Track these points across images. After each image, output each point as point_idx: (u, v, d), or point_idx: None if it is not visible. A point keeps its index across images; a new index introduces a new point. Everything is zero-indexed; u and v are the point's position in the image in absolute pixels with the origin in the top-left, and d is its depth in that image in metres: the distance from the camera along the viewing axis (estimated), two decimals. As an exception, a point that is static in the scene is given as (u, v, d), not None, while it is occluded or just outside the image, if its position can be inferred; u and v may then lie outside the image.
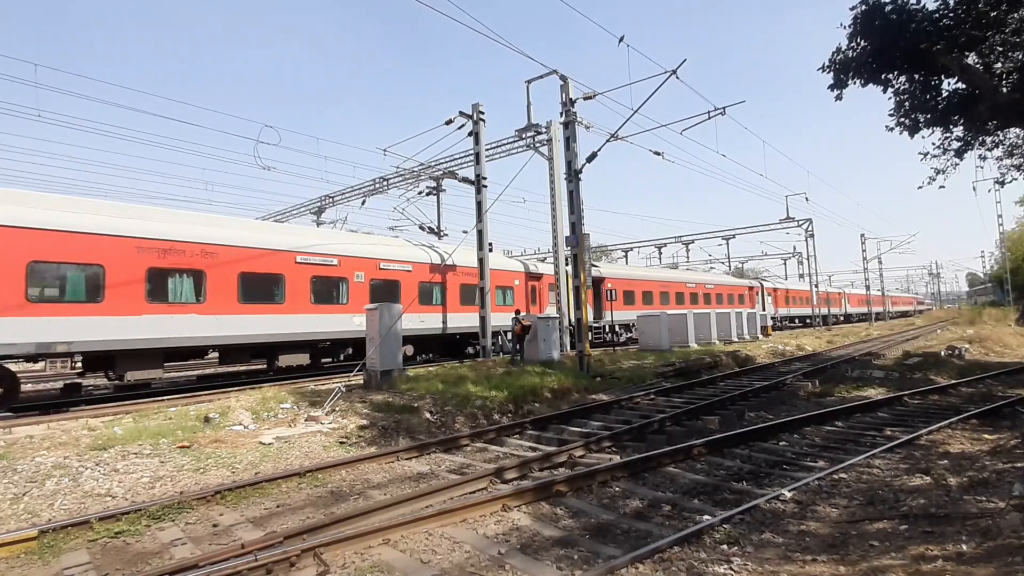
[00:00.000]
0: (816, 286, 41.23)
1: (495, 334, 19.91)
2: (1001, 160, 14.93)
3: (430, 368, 15.53)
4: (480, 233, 18.92)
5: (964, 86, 11.28)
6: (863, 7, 10.67)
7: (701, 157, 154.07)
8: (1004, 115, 11.13)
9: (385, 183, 23.67)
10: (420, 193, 24.19)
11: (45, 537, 4.92)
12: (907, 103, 11.93)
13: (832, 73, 11.61)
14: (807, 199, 35.60)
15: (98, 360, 12.04)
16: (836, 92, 11.86)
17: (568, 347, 18.94)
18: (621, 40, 13.53)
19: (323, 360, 16.29)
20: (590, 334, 18.58)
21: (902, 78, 11.64)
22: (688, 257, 47.99)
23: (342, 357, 16.72)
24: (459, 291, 19.32)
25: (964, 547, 4.08)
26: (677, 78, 13.45)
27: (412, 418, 9.52)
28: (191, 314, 12.71)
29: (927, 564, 3.81)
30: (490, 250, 19.42)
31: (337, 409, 9.66)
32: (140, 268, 11.99)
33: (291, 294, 14.68)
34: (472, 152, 19.18)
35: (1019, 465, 6.07)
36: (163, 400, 11.70)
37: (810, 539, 4.57)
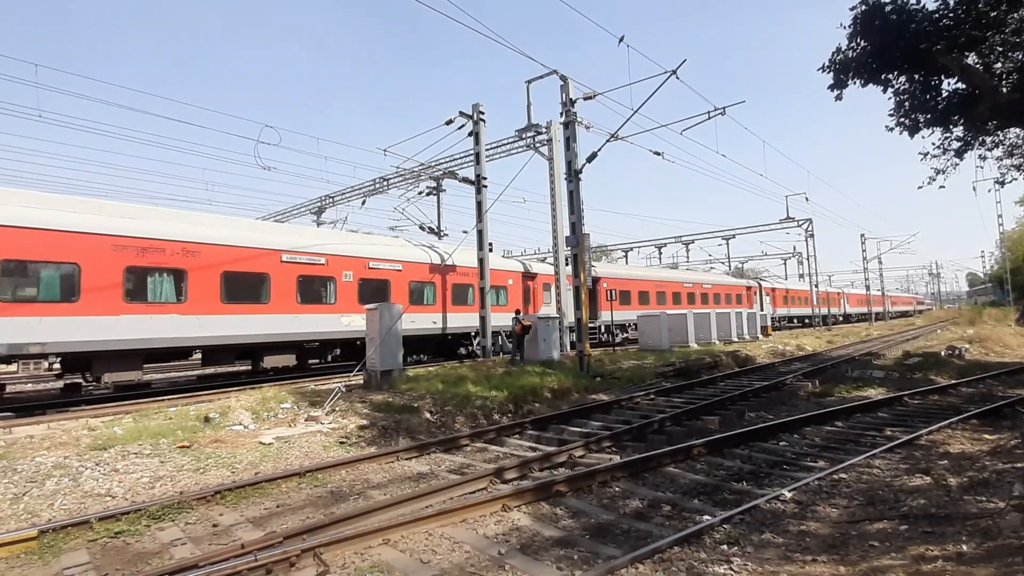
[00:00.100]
0: (816, 286, 41.23)
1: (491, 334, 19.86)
2: (1001, 160, 14.94)
3: (430, 368, 15.52)
4: (480, 233, 18.92)
5: (964, 86, 11.28)
6: (863, 7, 10.67)
7: (701, 157, 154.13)
8: (1004, 115, 11.13)
9: (385, 183, 23.68)
10: (420, 193, 24.20)
11: (45, 537, 4.92)
12: (907, 103, 11.93)
13: (832, 73, 11.61)
14: (807, 199, 35.66)
15: (75, 361, 11.78)
16: (836, 92, 11.86)
17: (568, 347, 18.95)
18: (621, 40, 13.54)
19: (310, 361, 16.06)
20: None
21: (902, 78, 11.64)
22: (688, 257, 48.03)
23: (329, 358, 16.44)
24: (451, 291, 19.11)
25: (964, 547, 4.08)
26: (677, 78, 13.46)
27: (412, 418, 9.52)
28: (172, 314, 12.42)
29: (927, 564, 3.81)
30: (490, 250, 19.41)
31: (337, 409, 9.66)
32: (118, 267, 11.70)
33: (276, 294, 14.41)
34: (472, 152, 19.18)
35: (1019, 465, 6.07)
36: (163, 400, 11.68)
37: (810, 539, 4.57)
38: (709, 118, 14.99)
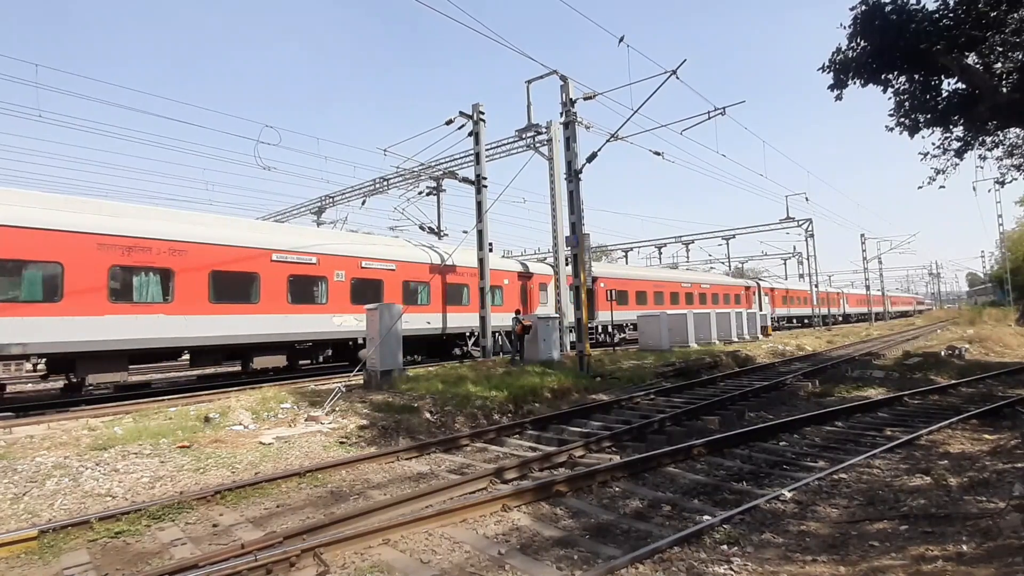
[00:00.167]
0: (816, 286, 41.22)
1: (478, 335, 19.70)
2: (1001, 160, 14.94)
3: (430, 368, 15.50)
4: (480, 233, 18.91)
5: (964, 86, 11.28)
6: (863, 7, 10.67)
7: (701, 157, 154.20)
8: (1004, 115, 11.13)
9: (385, 183, 23.67)
10: (420, 193, 24.19)
11: (45, 537, 4.92)
12: (907, 103, 11.93)
13: (832, 73, 11.61)
14: (807, 199, 35.65)
15: (59, 362, 11.60)
16: (836, 92, 11.87)
17: (568, 347, 18.94)
18: (621, 40, 13.54)
19: (301, 362, 15.86)
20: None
21: (902, 78, 11.65)
22: (688, 257, 48.02)
23: (321, 359, 16.22)
24: (446, 291, 18.92)
25: (964, 547, 4.08)
26: (677, 78, 13.45)
27: (412, 418, 9.52)
28: (158, 314, 12.23)
29: (927, 564, 3.81)
30: (490, 250, 19.40)
31: (337, 409, 9.66)
32: (102, 266, 11.50)
33: (266, 293, 14.23)
34: (472, 152, 19.17)
35: (1019, 465, 6.07)
36: (163, 400, 11.69)
37: (810, 539, 4.57)
38: (709, 118, 14.99)
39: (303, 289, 15.23)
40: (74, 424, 8.96)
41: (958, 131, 12.76)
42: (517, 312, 17.71)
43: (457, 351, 19.64)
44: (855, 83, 11.61)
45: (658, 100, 43.93)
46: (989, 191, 38.70)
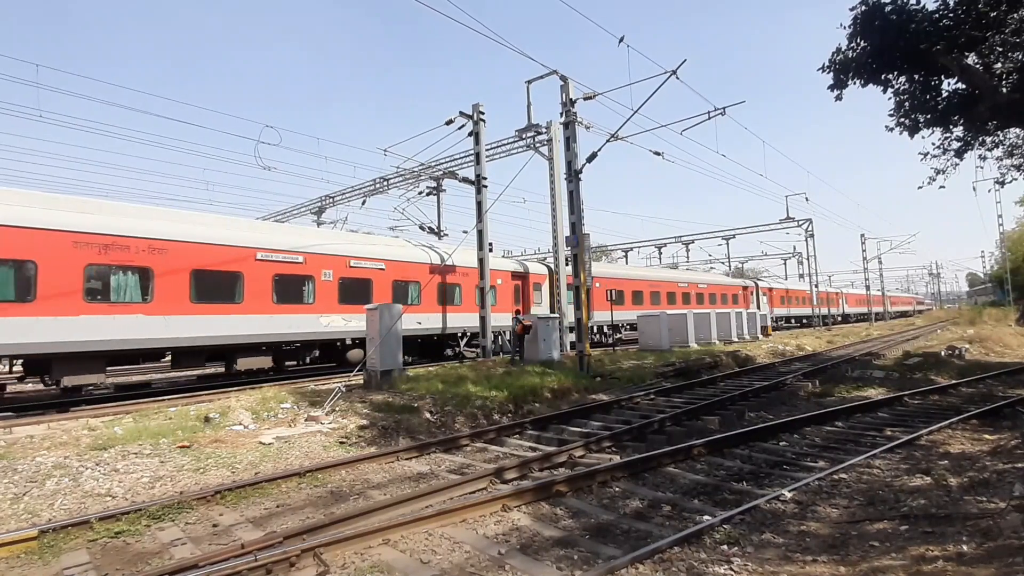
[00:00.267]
0: (816, 286, 41.22)
1: (471, 335, 19.66)
2: (1001, 160, 14.93)
3: (430, 368, 15.49)
4: (480, 233, 18.91)
5: (964, 86, 11.28)
6: (863, 7, 10.66)
7: (701, 157, 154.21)
8: (1004, 115, 11.12)
9: (385, 183, 23.67)
10: (420, 193, 24.18)
11: (45, 537, 4.92)
12: (907, 103, 11.92)
13: (832, 73, 11.60)
14: (807, 199, 35.67)
15: (32, 364, 11.34)
16: (836, 92, 11.85)
17: (568, 347, 18.94)
18: (621, 40, 13.54)
19: (287, 363, 15.58)
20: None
21: (902, 78, 11.64)
22: (688, 257, 48.00)
23: (308, 360, 15.91)
24: (437, 290, 18.60)
25: (965, 547, 4.08)
26: (677, 78, 13.45)
27: (412, 418, 9.52)
28: (136, 315, 11.93)
29: (927, 565, 3.81)
30: (490, 250, 19.38)
31: (337, 409, 9.66)
32: (77, 265, 11.18)
33: (251, 293, 13.91)
34: (472, 152, 19.16)
35: (1020, 465, 6.06)
36: (163, 400, 11.69)
37: (810, 539, 4.57)
38: (709, 118, 14.99)
39: (289, 289, 14.90)
40: (74, 424, 8.96)
41: (958, 131, 12.75)
42: (517, 312, 17.72)
43: (449, 351, 19.41)
44: (855, 83, 11.60)
45: (658, 100, 43.96)
46: (989, 191, 38.80)
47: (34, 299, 10.68)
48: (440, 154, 21.55)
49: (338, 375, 13.64)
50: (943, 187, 13.91)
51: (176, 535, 5.05)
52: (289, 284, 14.93)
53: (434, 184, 24.16)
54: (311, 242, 15.93)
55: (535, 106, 18.50)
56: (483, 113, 18.86)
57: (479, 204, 18.83)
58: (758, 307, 37.86)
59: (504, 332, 20.49)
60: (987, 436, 7.87)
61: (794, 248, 50.19)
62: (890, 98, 12.03)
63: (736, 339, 26.16)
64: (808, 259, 40.53)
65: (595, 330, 25.61)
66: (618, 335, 26.75)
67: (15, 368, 11.76)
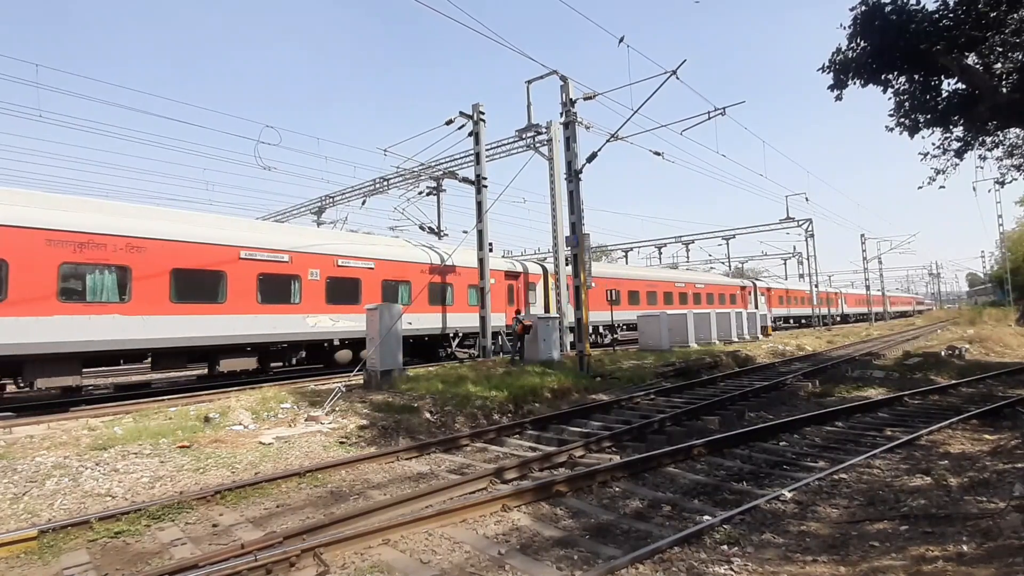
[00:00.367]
0: (816, 286, 41.21)
1: (463, 335, 19.53)
2: (1001, 160, 14.93)
3: (430, 368, 15.47)
4: (480, 233, 18.92)
5: (964, 86, 11.28)
6: (863, 8, 10.66)
7: (701, 157, 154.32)
8: (1004, 115, 11.12)
9: (385, 183, 23.68)
10: (420, 193, 24.18)
11: (45, 537, 4.92)
12: (907, 103, 11.92)
13: (832, 73, 11.60)
14: (807, 199, 35.67)
15: (3, 365, 10.89)
16: (836, 92, 11.85)
17: (568, 347, 18.94)
18: (621, 40, 13.54)
19: (272, 364, 15.27)
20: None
21: (902, 78, 11.63)
22: (688, 257, 48.01)
23: (294, 361, 15.54)
24: (428, 290, 18.01)
25: (965, 548, 4.08)
26: (677, 78, 13.45)
27: (412, 418, 9.52)
28: (113, 315, 11.57)
29: (927, 565, 3.81)
30: (491, 250, 19.37)
31: (337, 409, 9.66)
32: (51, 263, 10.83)
33: (234, 293, 13.52)
34: (472, 152, 19.18)
35: (1020, 465, 6.06)
36: (163, 400, 11.68)
37: (810, 539, 4.57)
38: (709, 118, 14.99)
39: (274, 288, 14.50)
40: (74, 424, 8.96)
41: (958, 131, 12.75)
42: (518, 312, 17.69)
43: (441, 352, 19.16)
44: (855, 83, 11.59)
45: (658, 100, 43.98)
46: (989, 191, 38.78)
47: (4, 299, 10.37)
48: (440, 154, 21.59)
49: (338, 375, 13.60)
50: (943, 187, 13.92)
51: (176, 535, 5.05)
52: (274, 283, 14.54)
53: (434, 184, 24.17)
54: (297, 241, 15.61)
55: (535, 106, 18.55)
56: (483, 113, 18.87)
57: (479, 204, 18.84)
58: (756, 307, 37.86)
59: (499, 334, 20.42)
60: (987, 436, 7.87)
61: (794, 248, 50.25)
62: (890, 98, 12.03)
63: (736, 339, 26.16)
64: (808, 259, 40.56)
65: (590, 330, 25.36)
66: (614, 335, 26.45)
67: None
